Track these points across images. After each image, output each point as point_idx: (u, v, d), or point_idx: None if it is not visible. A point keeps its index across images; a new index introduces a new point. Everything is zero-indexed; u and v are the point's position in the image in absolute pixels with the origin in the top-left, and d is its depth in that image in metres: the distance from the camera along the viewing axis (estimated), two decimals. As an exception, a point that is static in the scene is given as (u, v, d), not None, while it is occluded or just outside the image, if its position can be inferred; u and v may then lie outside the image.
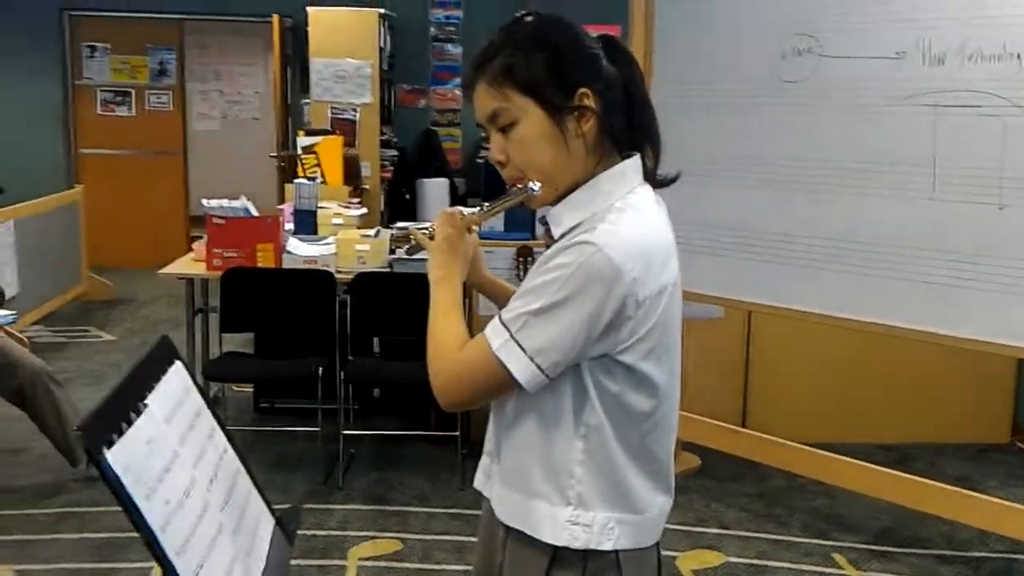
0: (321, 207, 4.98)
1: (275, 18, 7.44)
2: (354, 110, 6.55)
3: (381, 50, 6.73)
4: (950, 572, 3.54)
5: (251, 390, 5.12)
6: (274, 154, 7.50)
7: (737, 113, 3.76)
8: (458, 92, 7.73)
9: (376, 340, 4.88)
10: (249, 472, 1.58)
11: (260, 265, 4.31)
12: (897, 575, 3.51)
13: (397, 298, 4.18)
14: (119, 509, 1.16)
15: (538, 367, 1.37)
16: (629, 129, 1.48)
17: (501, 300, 1.60)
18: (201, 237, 4.62)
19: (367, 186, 6.41)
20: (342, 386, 4.24)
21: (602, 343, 1.38)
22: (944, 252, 3.24)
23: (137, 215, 8.60)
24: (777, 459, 4.00)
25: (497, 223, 4.40)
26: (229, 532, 1.38)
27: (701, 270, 3.77)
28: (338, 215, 5.04)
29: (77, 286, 7.31)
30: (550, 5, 1.71)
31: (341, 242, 4.43)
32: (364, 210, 5.40)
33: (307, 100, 6.78)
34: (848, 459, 3.73)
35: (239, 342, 5.02)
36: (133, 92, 8.71)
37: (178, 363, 1.49)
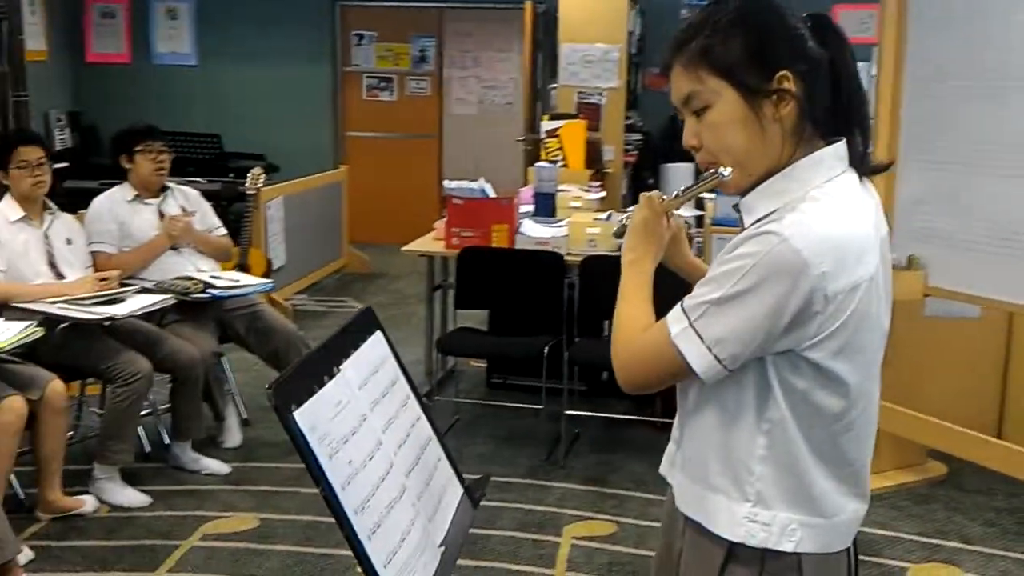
0: (561, 190, 5.06)
1: (528, 4, 7.61)
2: (600, 94, 6.57)
3: (630, 34, 6.72)
4: None
5: (484, 365, 5.29)
6: (520, 138, 7.67)
7: (999, 100, 3.46)
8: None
9: (606, 324, 4.90)
10: (441, 442, 1.65)
11: (494, 245, 4.45)
12: None
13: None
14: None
15: (715, 357, 1.34)
16: (835, 113, 1.40)
17: None
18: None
19: (609, 170, 6.43)
20: (567, 366, 4.30)
21: (787, 338, 1.32)
22: None
23: (394, 194, 9.08)
24: (1033, 474, 3.67)
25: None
26: (413, 495, 1.45)
27: (955, 265, 3.53)
28: (577, 198, 5.11)
29: (338, 259, 7.86)
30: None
31: (573, 225, 4.50)
32: (603, 193, 5.43)
33: (554, 85, 6.89)
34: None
35: (478, 319, 5.20)
36: (395, 78, 9.20)
37: (378, 333, 1.58)
